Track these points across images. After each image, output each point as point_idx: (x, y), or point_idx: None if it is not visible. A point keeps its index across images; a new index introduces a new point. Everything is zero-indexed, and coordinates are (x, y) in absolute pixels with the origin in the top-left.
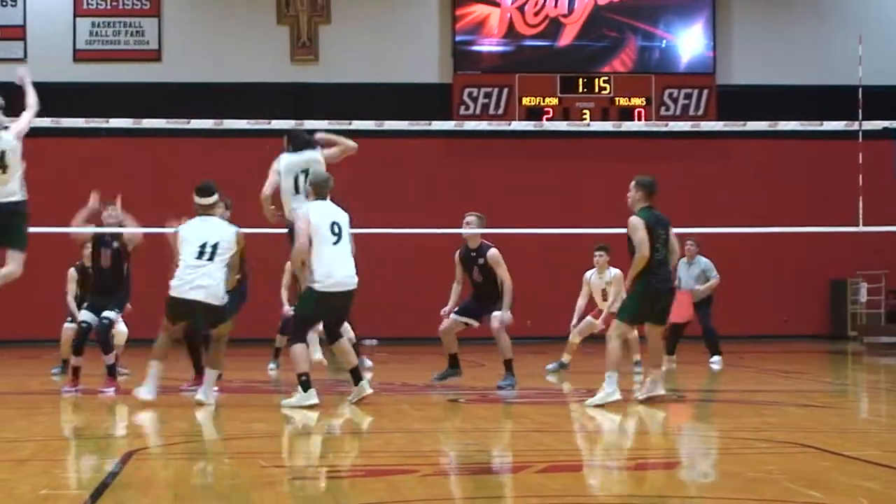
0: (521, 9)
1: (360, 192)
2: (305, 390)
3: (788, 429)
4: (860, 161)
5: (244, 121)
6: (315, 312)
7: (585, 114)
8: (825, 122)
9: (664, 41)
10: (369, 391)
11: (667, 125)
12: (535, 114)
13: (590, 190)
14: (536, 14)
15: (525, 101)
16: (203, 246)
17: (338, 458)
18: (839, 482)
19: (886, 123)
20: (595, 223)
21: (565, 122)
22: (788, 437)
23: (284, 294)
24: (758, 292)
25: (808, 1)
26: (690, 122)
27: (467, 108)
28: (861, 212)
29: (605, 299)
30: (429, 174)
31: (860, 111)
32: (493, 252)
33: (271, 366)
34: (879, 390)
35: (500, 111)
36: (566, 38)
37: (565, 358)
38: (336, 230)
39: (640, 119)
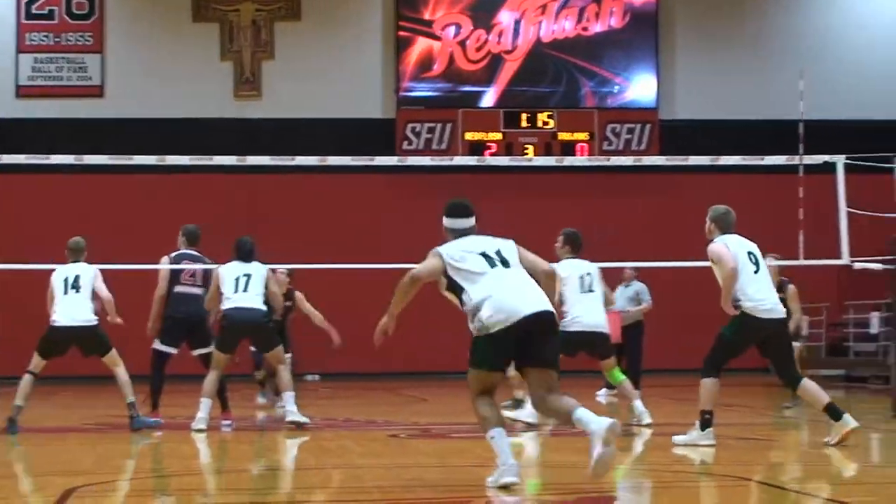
0: (462, 44)
1: (303, 228)
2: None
3: (729, 462)
4: (801, 195)
5: (187, 157)
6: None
7: (528, 149)
8: (767, 157)
9: (607, 77)
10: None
11: (609, 160)
12: (478, 149)
13: (533, 225)
14: (479, 49)
15: (468, 135)
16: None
17: (279, 494)
18: None
19: (827, 158)
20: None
21: (508, 157)
22: (728, 471)
23: None
24: (700, 325)
25: (750, 36)
26: (633, 157)
27: (410, 143)
28: (802, 245)
29: None
30: (372, 210)
31: (801, 146)
32: None
33: (261, 399)
34: (820, 423)
35: (444, 146)
36: (508, 74)
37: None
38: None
39: (582, 154)
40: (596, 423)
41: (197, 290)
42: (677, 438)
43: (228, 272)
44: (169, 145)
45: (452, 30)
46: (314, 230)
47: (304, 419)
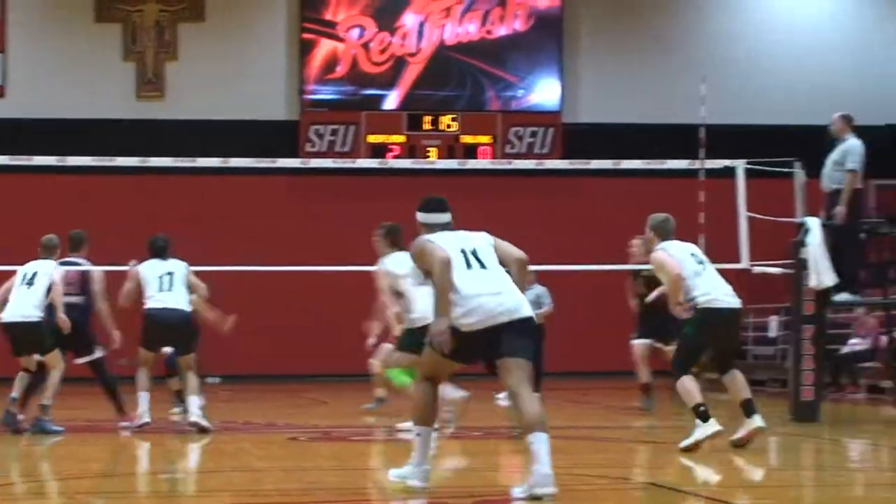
0: (366, 46)
1: (206, 230)
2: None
3: (628, 466)
4: (702, 199)
5: (89, 157)
6: None
7: (431, 151)
8: (668, 161)
9: (511, 80)
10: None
11: (511, 163)
12: (380, 151)
13: None
14: (382, 52)
15: (371, 138)
16: None
17: (177, 498)
18: None
19: (728, 162)
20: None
21: (410, 160)
22: (627, 474)
23: None
24: (604, 328)
25: (654, 41)
26: (536, 161)
27: (314, 145)
28: (703, 249)
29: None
30: (275, 212)
31: (702, 150)
32: None
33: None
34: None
35: (347, 148)
36: (412, 76)
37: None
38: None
39: (485, 157)
40: (542, 474)
41: (76, 299)
42: (685, 443)
43: (150, 271)
44: (70, 146)
45: (356, 32)
46: (217, 232)
47: (207, 424)
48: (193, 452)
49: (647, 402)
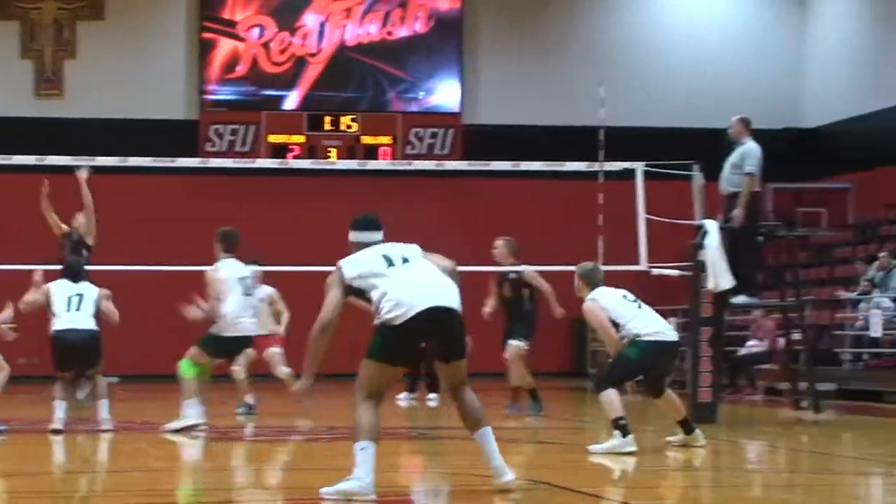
0: (266, 46)
1: (104, 229)
2: None
3: (525, 466)
4: (601, 201)
5: None
6: None
7: (331, 152)
8: (568, 163)
9: (412, 81)
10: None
11: (412, 164)
12: (281, 151)
13: (335, 228)
14: (283, 52)
15: (271, 138)
16: None
17: (73, 499)
18: None
19: (627, 164)
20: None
21: (310, 160)
22: (524, 474)
23: None
24: (501, 330)
25: (554, 43)
26: (436, 161)
27: (214, 144)
28: (601, 251)
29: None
30: (174, 211)
31: (601, 152)
32: None
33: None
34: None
35: (247, 148)
36: (312, 77)
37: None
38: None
39: (385, 158)
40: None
41: None
42: (594, 448)
43: (59, 290)
44: None
45: (256, 31)
46: (115, 232)
47: (111, 426)
48: (91, 452)
49: (534, 405)
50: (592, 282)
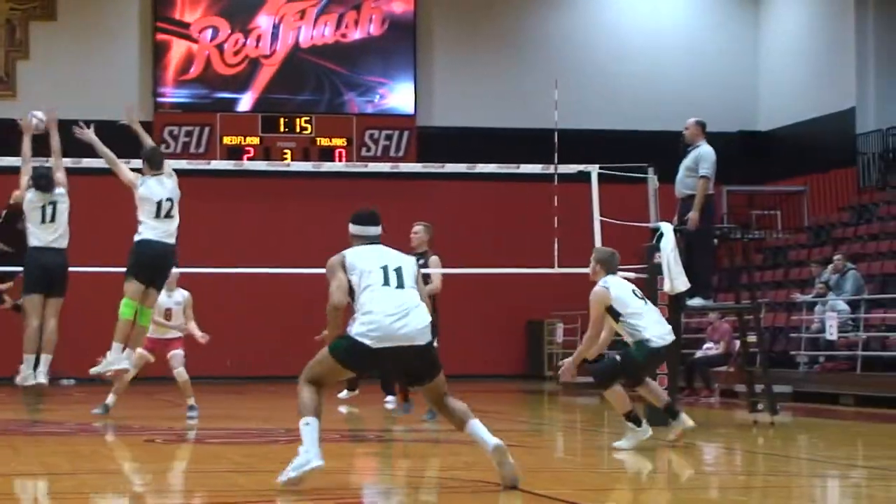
0: (220, 48)
1: None
2: None
3: (480, 468)
4: (556, 204)
5: None
6: None
7: (286, 153)
8: (522, 165)
9: (365, 83)
10: None
11: (367, 166)
12: (236, 153)
13: (290, 229)
14: (236, 53)
15: (226, 139)
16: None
17: (31, 500)
18: None
19: (582, 167)
20: (295, 263)
21: (265, 162)
22: (480, 476)
23: None
24: (457, 333)
25: (508, 46)
26: (390, 163)
27: (168, 146)
28: (557, 253)
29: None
30: (127, 213)
31: (556, 155)
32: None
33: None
34: (574, 429)
35: (202, 150)
36: (266, 78)
37: (110, 399)
38: None
39: (340, 160)
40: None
41: None
42: (620, 444)
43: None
44: None
45: (210, 33)
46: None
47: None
48: (46, 454)
49: (405, 405)
50: (609, 267)
